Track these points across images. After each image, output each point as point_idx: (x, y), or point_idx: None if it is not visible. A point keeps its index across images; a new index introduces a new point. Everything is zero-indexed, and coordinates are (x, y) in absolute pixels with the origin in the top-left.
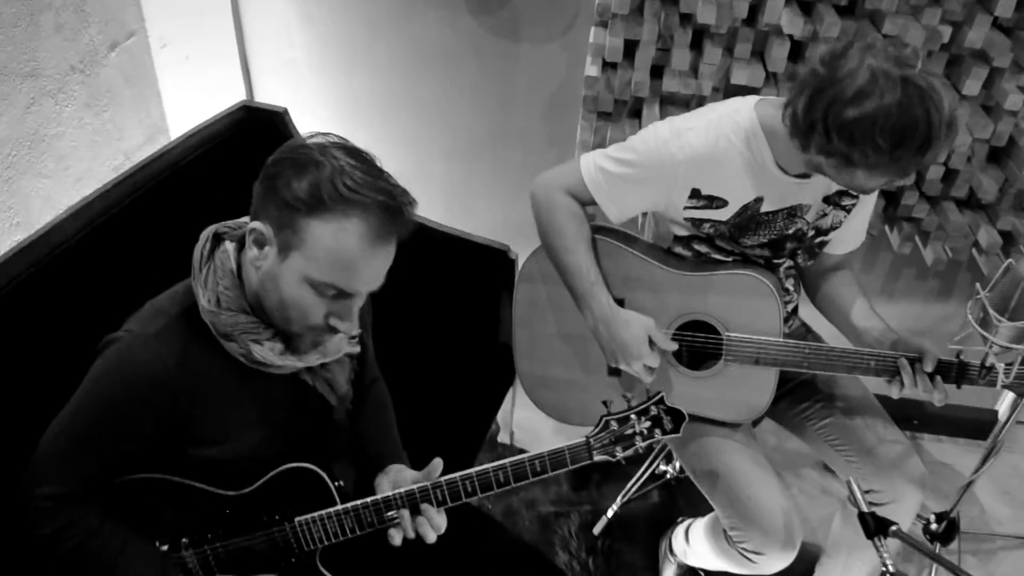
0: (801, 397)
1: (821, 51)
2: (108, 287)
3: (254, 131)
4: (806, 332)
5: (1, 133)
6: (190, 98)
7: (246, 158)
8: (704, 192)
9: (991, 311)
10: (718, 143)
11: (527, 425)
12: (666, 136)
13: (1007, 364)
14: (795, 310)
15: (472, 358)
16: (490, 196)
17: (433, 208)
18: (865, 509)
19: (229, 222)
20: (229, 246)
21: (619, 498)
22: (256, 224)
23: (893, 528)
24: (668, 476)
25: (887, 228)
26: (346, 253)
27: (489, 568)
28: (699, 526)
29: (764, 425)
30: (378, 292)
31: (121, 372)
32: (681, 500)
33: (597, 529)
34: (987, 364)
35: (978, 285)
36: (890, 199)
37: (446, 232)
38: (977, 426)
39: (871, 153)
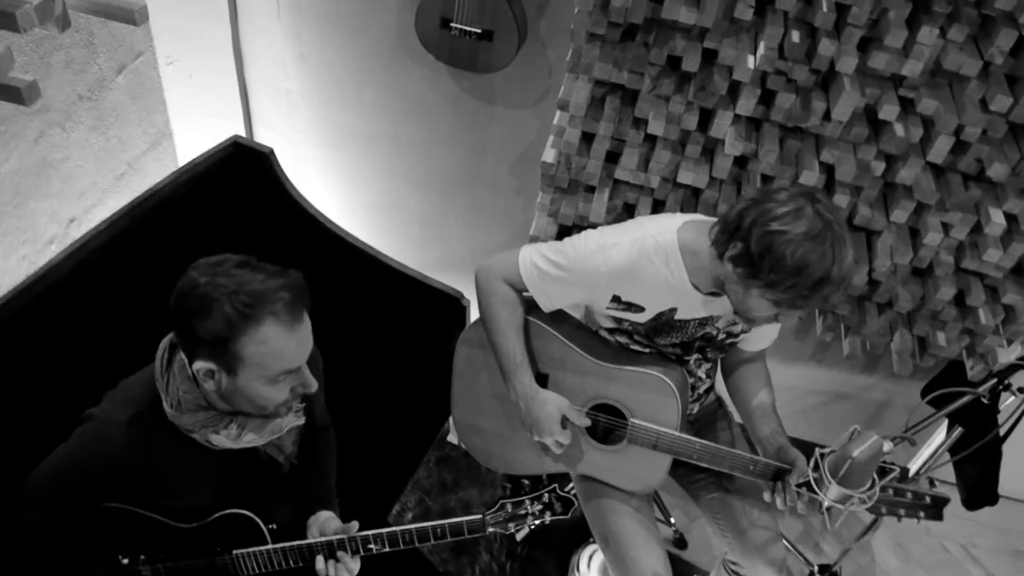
0: (697, 468)
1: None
2: (100, 318)
3: (242, 167)
4: (718, 407)
5: (12, 166)
6: (192, 112)
7: (234, 192)
8: (624, 299)
9: (824, 471)
10: (639, 260)
11: None
12: (593, 248)
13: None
14: (709, 390)
15: (415, 391)
16: (462, 226)
17: (410, 233)
18: None
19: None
20: (184, 355)
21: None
22: (199, 364)
23: None
24: None
25: (816, 312)
26: (278, 348)
27: None
28: (598, 558)
29: None
30: (333, 327)
31: (97, 448)
32: None
33: (519, 536)
34: (825, 507)
35: (818, 449)
36: None
37: (403, 272)
38: None
39: (775, 270)
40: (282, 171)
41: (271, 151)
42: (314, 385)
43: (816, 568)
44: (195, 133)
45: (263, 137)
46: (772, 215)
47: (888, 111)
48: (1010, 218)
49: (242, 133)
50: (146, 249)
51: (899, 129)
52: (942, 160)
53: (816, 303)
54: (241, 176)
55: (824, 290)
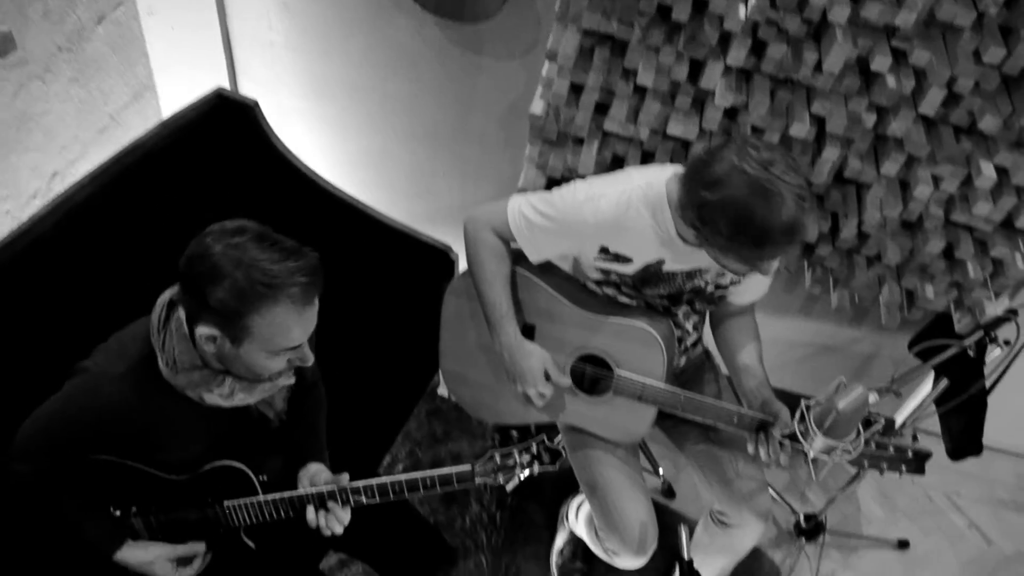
0: (684, 420)
1: (712, 143)
2: (85, 272)
3: (227, 120)
4: (705, 360)
5: None
6: (175, 64)
7: (218, 145)
8: (612, 250)
9: (810, 423)
10: (627, 212)
11: None
12: (582, 199)
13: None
14: (696, 343)
15: (404, 344)
16: (450, 179)
17: (398, 186)
18: (686, 556)
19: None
20: (182, 314)
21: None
22: (201, 329)
23: None
24: None
25: (805, 265)
26: (286, 327)
27: (388, 541)
28: (585, 508)
29: None
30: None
31: (90, 401)
32: None
33: (509, 487)
34: (811, 458)
35: (804, 401)
36: (807, 246)
37: (392, 226)
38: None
39: (713, 235)
40: (267, 123)
41: (255, 103)
42: (311, 359)
43: (802, 517)
44: (178, 86)
45: (247, 89)
46: (703, 183)
47: (880, 62)
48: (1000, 171)
49: (226, 85)
50: (130, 203)
51: (891, 81)
52: (934, 112)
53: (772, 255)
54: (225, 129)
55: (771, 245)
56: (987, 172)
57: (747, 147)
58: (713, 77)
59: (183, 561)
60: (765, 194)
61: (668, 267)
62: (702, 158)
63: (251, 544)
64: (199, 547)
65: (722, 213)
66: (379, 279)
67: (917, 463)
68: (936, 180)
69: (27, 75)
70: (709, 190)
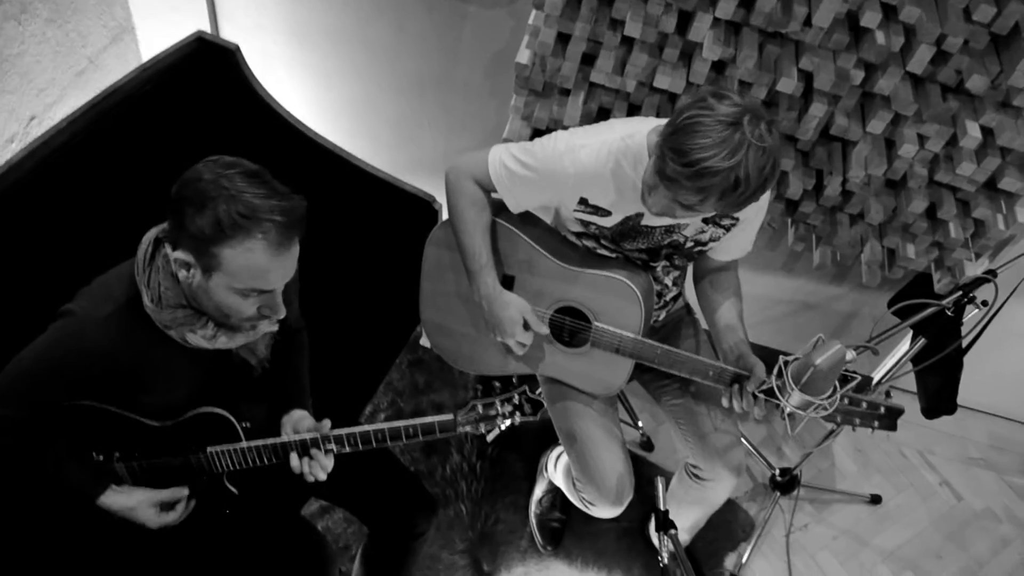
0: (663, 374)
1: (702, 89)
2: (64, 217)
3: (207, 64)
4: (685, 314)
5: None
6: (155, 5)
7: (199, 90)
8: (591, 202)
9: (787, 378)
10: (607, 163)
11: None
12: (562, 150)
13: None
14: (676, 297)
15: (386, 294)
16: (434, 129)
17: (381, 136)
18: (662, 507)
19: (167, 226)
20: (169, 251)
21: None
22: (177, 254)
23: (672, 532)
24: None
25: (788, 222)
26: (257, 266)
27: (369, 489)
28: (564, 459)
29: None
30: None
31: (74, 344)
32: None
33: (490, 437)
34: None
35: (782, 357)
36: (791, 203)
37: (375, 175)
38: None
39: (660, 164)
40: (248, 69)
41: (237, 48)
42: (282, 313)
43: (777, 471)
44: (158, 29)
45: (228, 33)
46: (677, 122)
47: (870, 18)
48: (986, 132)
49: (207, 29)
50: (109, 147)
51: (880, 37)
52: (922, 70)
53: (730, 205)
54: (206, 73)
55: (705, 180)
56: (972, 132)
57: (714, 100)
58: (701, 29)
59: (166, 507)
60: (734, 148)
61: (647, 221)
62: (687, 104)
63: (234, 490)
64: (182, 492)
65: (670, 143)
66: (362, 228)
67: (890, 419)
68: (921, 139)
69: (2, 15)
70: (673, 138)
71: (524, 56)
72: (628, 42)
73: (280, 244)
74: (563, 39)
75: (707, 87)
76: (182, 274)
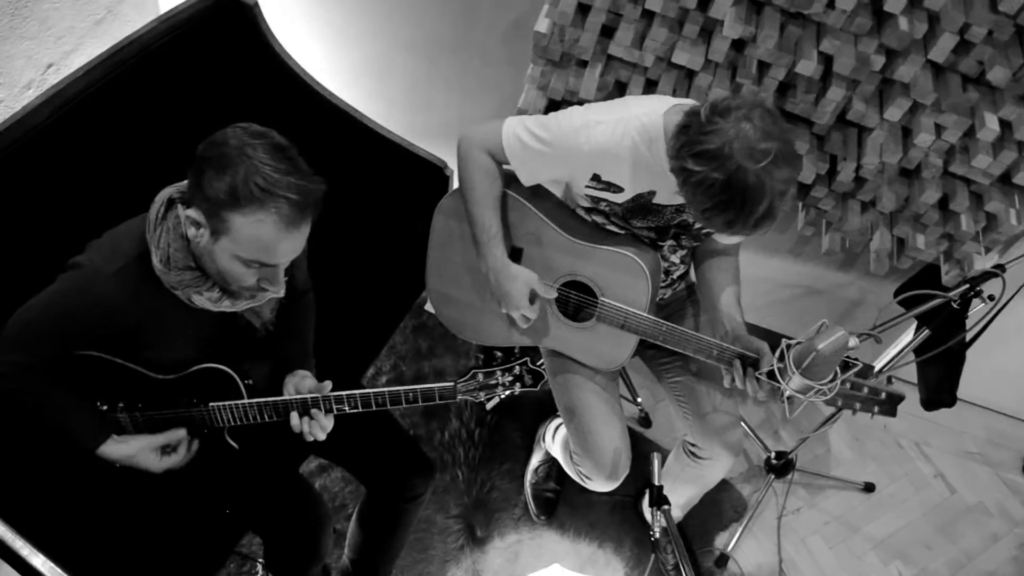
0: (666, 351)
1: (716, 97)
2: (79, 166)
3: (226, 18)
4: (690, 294)
5: None
6: None
7: (216, 44)
8: (604, 178)
9: (789, 362)
10: (622, 141)
11: None
12: (577, 125)
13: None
14: (682, 276)
15: (394, 258)
16: (449, 92)
17: (396, 98)
18: (656, 483)
19: (182, 186)
20: (181, 211)
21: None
22: (190, 212)
23: (665, 508)
24: None
25: (799, 206)
26: (265, 239)
27: (368, 450)
28: (562, 431)
29: None
30: None
31: (82, 297)
32: None
33: (489, 405)
34: (786, 396)
35: (785, 340)
36: (803, 187)
37: (388, 138)
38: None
39: (690, 198)
40: (267, 24)
41: (256, 3)
42: (281, 289)
43: (773, 454)
44: None
45: None
46: (692, 148)
47: (894, 3)
48: (1004, 125)
49: None
50: (125, 98)
51: (903, 23)
52: (943, 59)
53: (742, 231)
54: (224, 27)
55: (738, 227)
56: (990, 124)
57: (748, 125)
58: (723, 6)
59: (167, 450)
60: (746, 190)
61: (659, 199)
62: (701, 121)
63: (234, 445)
64: (179, 433)
65: (704, 189)
66: (373, 191)
67: (890, 405)
68: (939, 129)
69: None
70: (697, 161)
71: (543, 25)
72: (648, 16)
73: (291, 222)
74: (583, 9)
75: (738, 100)
76: (191, 231)
